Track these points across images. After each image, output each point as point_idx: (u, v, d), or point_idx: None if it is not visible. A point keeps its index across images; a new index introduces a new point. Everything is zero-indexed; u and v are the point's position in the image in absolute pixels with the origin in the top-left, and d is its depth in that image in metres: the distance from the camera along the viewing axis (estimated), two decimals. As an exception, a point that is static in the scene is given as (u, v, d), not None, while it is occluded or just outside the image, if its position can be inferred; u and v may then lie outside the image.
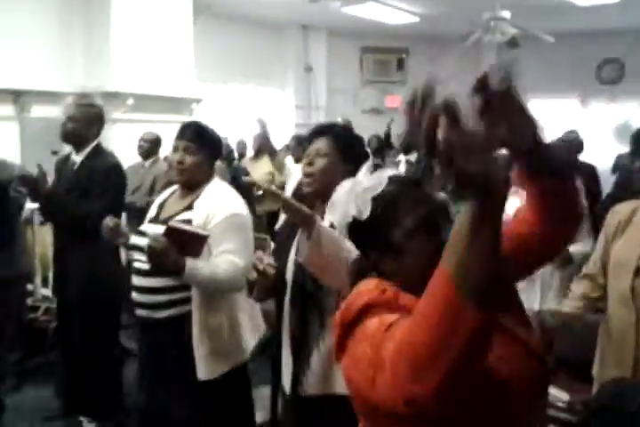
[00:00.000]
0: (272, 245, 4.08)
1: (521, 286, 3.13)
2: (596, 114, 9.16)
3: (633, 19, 7.55)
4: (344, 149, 1.89)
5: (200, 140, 2.23)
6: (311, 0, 4.55)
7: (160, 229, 2.10)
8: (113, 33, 5.65)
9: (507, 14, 6.20)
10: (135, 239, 2.23)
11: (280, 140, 7.67)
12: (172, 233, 1.98)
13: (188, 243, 2.01)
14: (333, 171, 1.85)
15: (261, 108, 8.44)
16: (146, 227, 2.25)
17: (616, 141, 8.83)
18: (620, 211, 2.22)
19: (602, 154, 7.67)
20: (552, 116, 8.91)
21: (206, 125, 2.31)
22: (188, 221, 2.13)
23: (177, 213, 2.19)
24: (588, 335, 2.33)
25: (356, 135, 2.06)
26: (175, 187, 2.38)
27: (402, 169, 5.22)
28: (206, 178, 2.27)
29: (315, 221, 1.60)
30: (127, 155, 5.21)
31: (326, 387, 1.84)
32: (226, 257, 2.11)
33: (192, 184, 2.24)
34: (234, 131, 7.12)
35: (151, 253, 1.97)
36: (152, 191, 4.50)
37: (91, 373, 3.00)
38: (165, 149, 5.10)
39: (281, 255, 1.94)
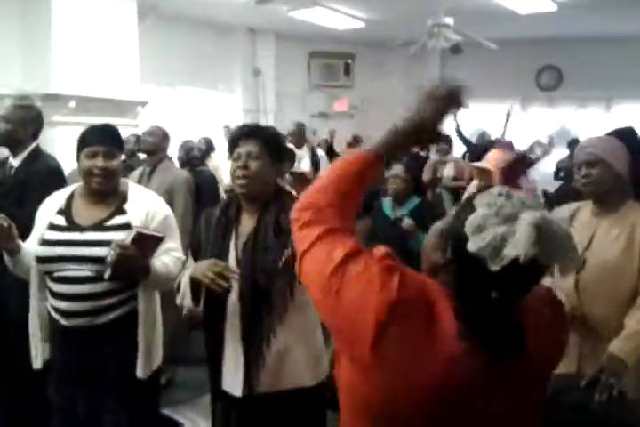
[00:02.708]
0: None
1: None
2: (536, 118, 9.48)
3: (570, 27, 7.85)
4: (273, 150, 2.00)
5: (117, 143, 2.19)
6: (257, 2, 4.54)
7: (89, 235, 2.08)
8: (54, 33, 5.51)
9: (450, 21, 6.34)
10: (51, 250, 2.10)
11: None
12: (139, 239, 1.96)
13: (149, 246, 2.03)
14: (267, 173, 1.97)
15: (209, 112, 8.40)
16: (59, 235, 2.12)
17: (554, 145, 9.15)
18: (562, 212, 2.35)
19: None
20: (494, 119, 9.18)
21: (114, 126, 2.27)
22: (126, 225, 2.10)
23: (107, 218, 2.13)
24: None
25: (281, 136, 2.15)
26: (65, 193, 2.26)
27: None
28: (119, 180, 2.25)
29: None
30: (68, 158, 5.11)
31: (278, 384, 1.92)
32: (171, 254, 2.19)
33: (111, 189, 2.19)
34: (180, 134, 7.04)
35: (122, 260, 1.93)
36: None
37: (31, 386, 2.91)
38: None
39: (218, 254, 1.95)
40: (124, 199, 2.19)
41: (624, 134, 3.19)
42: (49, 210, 2.22)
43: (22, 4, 5.57)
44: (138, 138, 6.07)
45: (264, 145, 1.97)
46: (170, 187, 3.79)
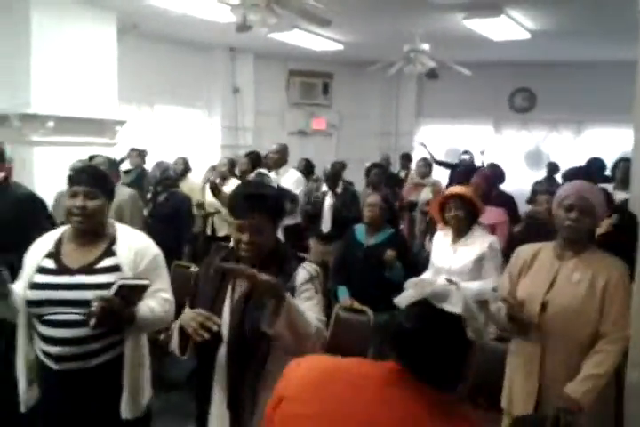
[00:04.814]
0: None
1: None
2: (509, 140, 9.68)
3: (543, 53, 8.07)
4: (276, 218, 2.02)
5: (100, 185, 2.23)
6: (237, 30, 4.62)
7: (79, 278, 2.12)
8: (34, 53, 5.52)
9: (426, 47, 6.49)
10: (40, 293, 2.13)
11: (206, 161, 7.71)
12: (121, 290, 2.01)
13: (134, 295, 2.08)
14: (270, 241, 1.99)
15: (187, 130, 8.43)
16: (48, 278, 2.15)
17: (527, 167, 9.37)
18: (524, 251, 2.45)
19: (514, 177, 8.13)
20: (468, 141, 9.36)
21: (100, 168, 2.32)
22: (116, 268, 2.15)
23: (96, 261, 2.16)
24: (495, 364, 2.48)
25: (282, 196, 2.16)
26: (54, 235, 2.28)
27: (328, 201, 5.41)
28: (105, 221, 2.27)
29: (284, 295, 1.72)
30: (47, 178, 5.13)
31: None
32: (160, 296, 2.23)
33: (94, 229, 2.22)
34: (158, 152, 7.08)
35: (104, 313, 1.98)
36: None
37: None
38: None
39: (210, 307, 1.94)
40: (112, 240, 2.22)
41: (594, 166, 3.28)
42: (38, 253, 2.23)
43: (1, 24, 5.57)
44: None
45: (267, 216, 1.96)
46: (117, 207, 3.84)
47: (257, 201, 1.94)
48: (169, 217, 5.04)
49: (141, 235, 2.33)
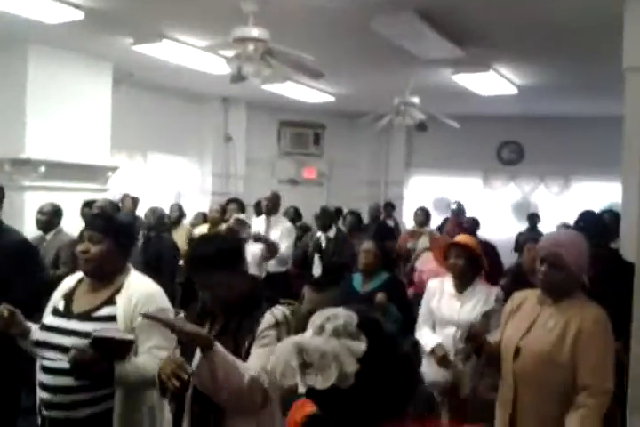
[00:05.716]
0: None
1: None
2: (497, 192, 9.79)
3: (530, 107, 8.27)
4: (233, 269, 1.99)
5: (106, 229, 2.18)
6: (232, 82, 4.70)
7: (73, 324, 2.07)
8: (29, 99, 5.60)
9: (416, 100, 6.63)
10: (42, 335, 2.12)
11: (196, 208, 7.73)
12: (98, 343, 1.94)
13: (114, 349, 1.99)
14: (237, 290, 1.98)
15: (179, 177, 8.48)
16: (53, 321, 2.15)
17: (514, 218, 9.45)
18: (514, 298, 2.46)
19: (502, 229, 8.21)
20: (457, 192, 9.46)
21: (116, 214, 2.32)
22: (112, 317, 2.09)
23: (96, 308, 2.12)
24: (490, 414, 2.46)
25: (232, 244, 2.09)
26: (79, 276, 2.28)
27: (323, 244, 5.45)
28: (119, 268, 2.21)
29: (212, 345, 1.70)
30: (36, 223, 5.09)
31: None
32: (153, 354, 2.08)
33: (100, 274, 2.18)
34: (150, 199, 7.08)
35: (77, 365, 1.93)
36: (56, 265, 4.26)
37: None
38: (73, 218, 5.01)
39: (188, 352, 1.93)
40: (119, 288, 2.16)
41: (588, 221, 3.33)
42: (59, 293, 2.23)
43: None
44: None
45: (221, 271, 1.94)
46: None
47: (206, 261, 1.94)
48: (150, 262, 4.97)
49: (150, 285, 2.23)
